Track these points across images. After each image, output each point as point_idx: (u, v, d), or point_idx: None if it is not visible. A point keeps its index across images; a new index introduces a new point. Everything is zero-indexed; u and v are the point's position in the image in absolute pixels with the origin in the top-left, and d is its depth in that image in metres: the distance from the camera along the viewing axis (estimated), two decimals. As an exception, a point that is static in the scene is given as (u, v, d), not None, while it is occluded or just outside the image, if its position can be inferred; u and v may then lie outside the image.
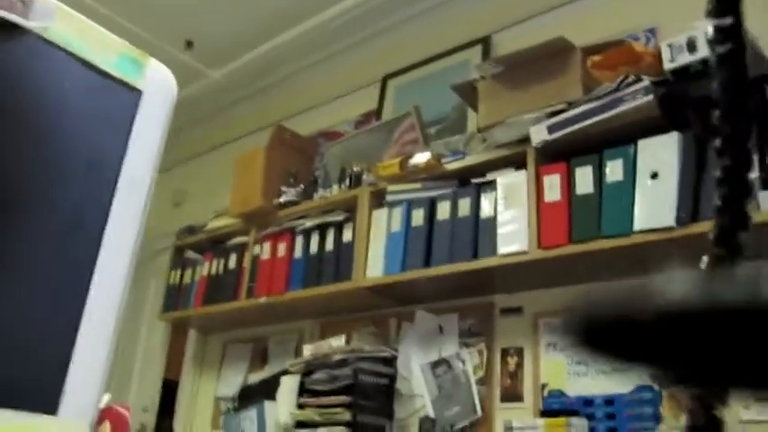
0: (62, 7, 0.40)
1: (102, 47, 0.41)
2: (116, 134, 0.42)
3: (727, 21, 0.31)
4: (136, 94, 0.43)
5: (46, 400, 0.42)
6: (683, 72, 1.82)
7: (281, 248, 2.76)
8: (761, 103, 1.71)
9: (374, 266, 2.37)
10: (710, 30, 0.32)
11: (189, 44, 3.63)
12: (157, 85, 0.44)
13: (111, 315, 0.42)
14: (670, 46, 1.84)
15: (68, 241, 0.40)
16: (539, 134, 2.03)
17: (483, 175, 2.19)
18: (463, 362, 2.32)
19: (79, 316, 0.41)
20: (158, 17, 3.42)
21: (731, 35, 0.31)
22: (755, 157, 1.68)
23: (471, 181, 2.22)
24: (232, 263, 2.98)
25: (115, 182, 0.42)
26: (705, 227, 1.71)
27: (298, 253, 2.69)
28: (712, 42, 0.32)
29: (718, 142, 0.31)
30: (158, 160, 0.45)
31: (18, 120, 0.38)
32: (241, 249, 2.97)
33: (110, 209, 0.41)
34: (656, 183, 1.81)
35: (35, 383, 0.41)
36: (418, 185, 2.35)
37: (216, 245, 3.15)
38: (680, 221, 1.73)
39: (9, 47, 0.37)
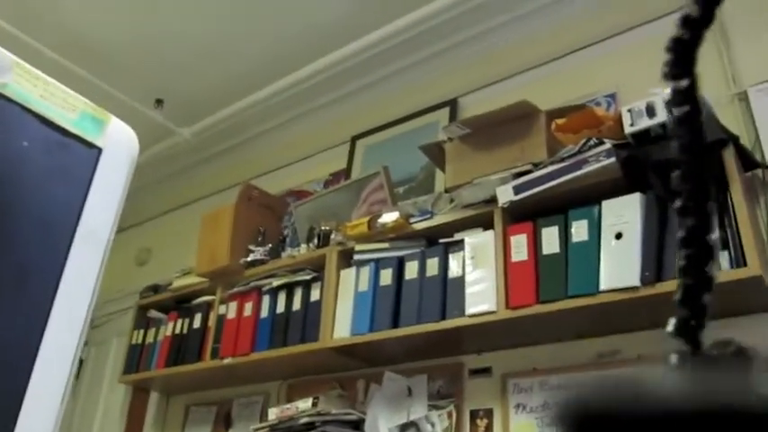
0: (20, 63, 0.39)
1: (61, 104, 0.41)
2: (73, 192, 0.41)
3: (684, 83, 0.32)
4: (95, 151, 0.42)
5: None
6: (643, 136, 1.88)
7: (248, 308, 2.71)
8: (717, 165, 1.77)
9: (342, 327, 2.34)
10: (667, 92, 0.33)
11: (159, 102, 3.64)
12: (118, 143, 0.44)
13: (62, 379, 0.41)
14: (630, 111, 1.90)
15: (15, 302, 0.38)
16: (505, 195, 2.06)
17: (451, 234, 2.20)
18: (432, 425, 2.28)
19: (26, 380, 0.39)
20: (129, 76, 3.44)
21: (688, 97, 0.32)
22: (715, 218, 1.72)
23: (439, 241, 2.23)
24: (197, 322, 2.92)
25: (70, 240, 0.41)
26: (669, 286, 1.73)
27: (264, 312, 2.65)
28: (670, 104, 0.33)
29: (679, 202, 0.31)
30: (117, 218, 0.44)
31: (-29, 176, 0.38)
32: (206, 309, 2.92)
33: (63, 268, 0.40)
34: (620, 243, 1.84)
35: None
36: (386, 245, 2.35)
37: (180, 304, 3.09)
38: (644, 281, 1.75)
39: (-35, 103, 0.37)
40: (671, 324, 0.31)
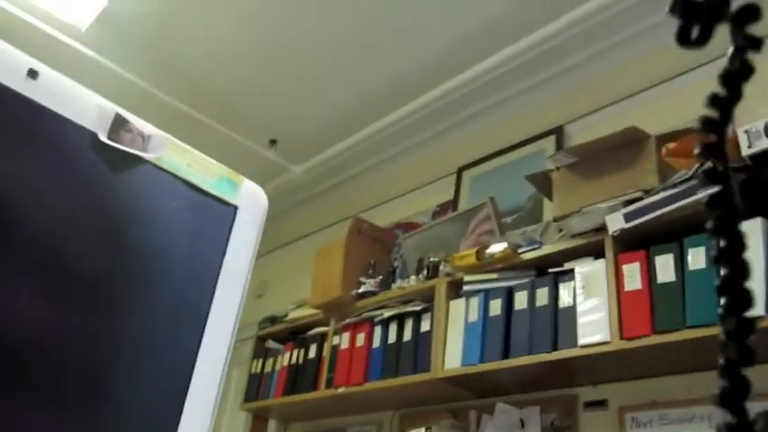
0: (172, 140, 0.47)
1: (203, 170, 0.48)
2: (215, 245, 0.48)
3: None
4: (232, 209, 0.49)
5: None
6: (762, 157, 1.80)
7: (360, 338, 2.79)
8: None
9: (452, 357, 2.36)
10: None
11: (273, 142, 3.84)
12: (251, 201, 0.50)
13: (208, 415, 0.47)
14: (747, 132, 1.83)
15: (170, 341, 0.45)
16: (615, 223, 2.02)
17: (560, 264, 2.18)
18: (547, 457, 2.24)
19: (179, 414, 0.46)
20: (245, 119, 3.66)
21: (716, 154, 0.33)
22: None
23: (549, 270, 2.21)
24: (312, 352, 3.03)
25: (214, 286, 0.47)
26: (797, 316, 1.64)
27: (376, 343, 2.71)
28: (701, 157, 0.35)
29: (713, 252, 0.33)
30: (252, 266, 0.51)
31: (131, 235, 0.45)
32: (321, 339, 3.02)
33: (209, 310, 0.47)
34: (741, 270, 1.76)
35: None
36: (495, 275, 2.36)
37: (296, 335, 3.22)
38: (770, 311, 1.67)
39: (130, 174, 0.44)
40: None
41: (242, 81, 3.45)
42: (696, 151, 0.32)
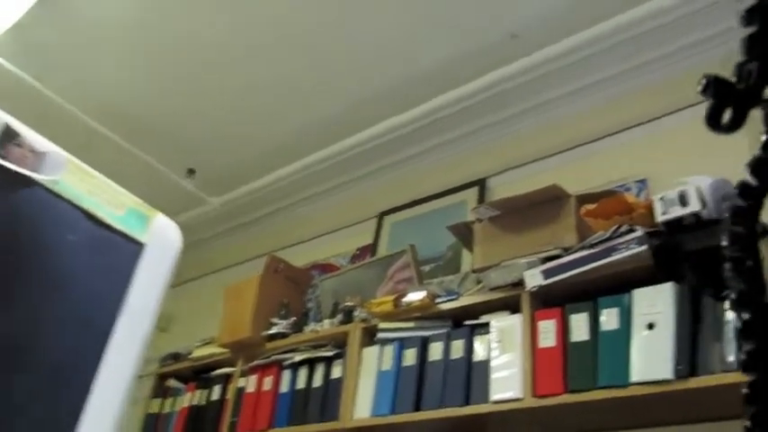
0: (73, 161, 0.40)
1: (109, 201, 0.42)
2: (115, 287, 0.41)
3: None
4: (138, 247, 0.43)
5: None
6: (675, 224, 1.85)
7: (267, 382, 2.67)
8: None
9: (362, 406, 2.29)
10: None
11: (191, 171, 3.71)
12: (161, 239, 0.44)
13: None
14: (662, 199, 1.88)
15: (47, 408, 0.38)
16: (533, 279, 2.03)
17: (477, 317, 2.17)
18: None
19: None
20: (164, 146, 3.53)
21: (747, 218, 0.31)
22: None
23: (465, 322, 2.19)
24: (215, 394, 2.88)
25: (107, 336, 0.41)
26: (704, 381, 1.67)
27: (284, 387, 2.60)
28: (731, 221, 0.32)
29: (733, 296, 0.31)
30: (158, 309, 0.44)
31: (18, 271, 0.38)
32: (225, 380, 2.88)
33: (99, 368, 0.40)
34: (652, 333, 1.79)
35: None
36: (411, 324, 2.32)
37: (200, 374, 3.06)
38: (678, 374, 1.69)
39: (17, 198, 0.37)
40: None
41: (162, 105, 3.33)
42: (726, 214, 0.30)
